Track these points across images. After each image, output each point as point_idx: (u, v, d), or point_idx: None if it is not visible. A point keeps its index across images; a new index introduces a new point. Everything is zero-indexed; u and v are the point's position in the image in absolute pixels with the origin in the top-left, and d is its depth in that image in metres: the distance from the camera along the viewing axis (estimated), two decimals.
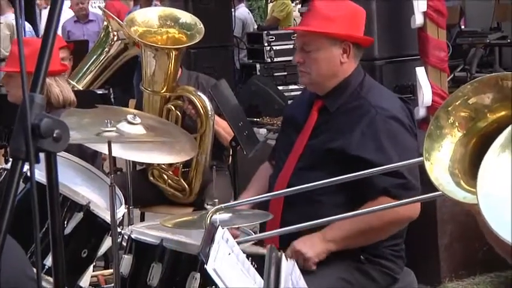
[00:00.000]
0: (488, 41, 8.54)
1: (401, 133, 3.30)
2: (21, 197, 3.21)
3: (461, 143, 2.15)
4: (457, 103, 2.16)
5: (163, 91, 4.78)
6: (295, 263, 1.87)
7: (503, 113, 2.12)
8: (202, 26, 4.83)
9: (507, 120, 2.07)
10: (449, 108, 2.17)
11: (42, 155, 1.43)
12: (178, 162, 4.68)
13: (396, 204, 2.77)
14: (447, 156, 2.13)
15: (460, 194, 2.07)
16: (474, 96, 2.15)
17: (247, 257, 2.38)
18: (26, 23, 10.51)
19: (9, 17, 10.74)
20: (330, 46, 3.36)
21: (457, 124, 2.15)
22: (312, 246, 3.18)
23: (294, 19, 12.48)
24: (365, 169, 3.20)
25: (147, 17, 4.89)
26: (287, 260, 1.79)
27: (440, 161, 2.12)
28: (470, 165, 2.11)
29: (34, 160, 1.34)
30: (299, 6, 12.51)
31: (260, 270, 2.14)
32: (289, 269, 1.77)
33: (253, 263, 2.38)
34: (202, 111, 4.66)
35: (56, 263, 1.40)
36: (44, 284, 2.66)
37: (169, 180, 4.89)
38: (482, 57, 8.51)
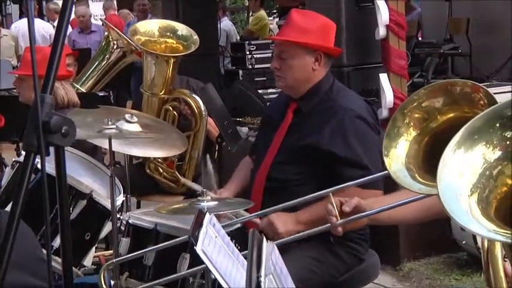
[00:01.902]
0: (442, 51, 8.58)
1: (366, 131, 3.32)
2: (33, 187, 3.20)
3: (416, 141, 2.16)
4: (412, 106, 2.17)
5: (161, 93, 4.78)
6: (275, 245, 1.88)
7: (451, 115, 2.14)
8: (197, 37, 4.85)
9: (455, 121, 2.09)
10: (405, 110, 2.18)
11: (52, 149, 1.43)
12: (173, 156, 4.69)
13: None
14: (403, 153, 2.14)
15: (416, 186, 2.08)
16: (427, 100, 2.16)
17: (231, 239, 2.38)
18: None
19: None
20: (303, 54, 3.37)
21: (412, 124, 2.17)
22: (285, 224, 3.18)
23: (272, 31, 12.46)
24: (335, 162, 3.22)
25: (148, 28, 4.91)
26: (267, 241, 1.80)
27: (397, 157, 2.13)
28: (423, 161, 2.13)
29: (44, 153, 1.34)
30: (277, 19, 12.47)
31: (242, 249, 2.15)
32: (269, 249, 1.78)
33: (237, 244, 2.38)
34: (196, 112, 4.68)
35: (64, 244, 1.40)
36: (52, 263, 2.64)
37: (164, 173, 4.88)
38: (437, 65, 8.54)
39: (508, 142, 1.57)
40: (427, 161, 2.10)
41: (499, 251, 1.84)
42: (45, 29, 11.56)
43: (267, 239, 1.85)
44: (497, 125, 1.58)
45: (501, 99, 1.89)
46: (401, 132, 2.15)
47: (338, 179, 3.21)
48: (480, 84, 2.05)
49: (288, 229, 3.19)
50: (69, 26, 10.63)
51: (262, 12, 12.14)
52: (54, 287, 1.66)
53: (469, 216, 1.49)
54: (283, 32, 3.48)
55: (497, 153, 1.57)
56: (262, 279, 1.60)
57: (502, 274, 1.83)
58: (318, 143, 3.27)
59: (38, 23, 11.61)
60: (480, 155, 1.57)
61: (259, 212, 3.10)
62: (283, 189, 3.30)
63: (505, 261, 1.90)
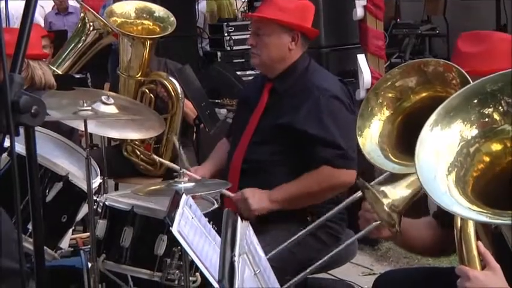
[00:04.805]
0: (419, 32, 8.59)
1: (341, 111, 3.33)
2: (7, 169, 3.18)
3: (389, 121, 2.17)
4: (385, 85, 2.19)
5: (138, 76, 4.78)
6: (249, 224, 1.88)
7: (424, 94, 2.15)
8: (174, 19, 4.84)
9: (428, 100, 2.10)
10: (379, 90, 2.19)
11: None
12: (150, 139, 4.67)
13: None
14: (377, 133, 2.15)
15: (389, 166, 2.10)
16: (400, 80, 2.18)
17: (209, 221, 2.38)
18: None
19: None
20: (280, 33, 3.37)
21: (385, 104, 2.18)
22: (259, 201, 3.21)
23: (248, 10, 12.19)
24: (310, 142, 3.24)
25: (125, 9, 4.88)
26: (242, 221, 1.80)
27: (371, 137, 2.14)
28: (397, 140, 2.14)
29: (14, 133, 1.33)
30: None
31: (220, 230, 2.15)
32: (243, 229, 1.78)
33: (214, 226, 2.38)
34: (173, 94, 4.66)
35: (35, 224, 1.38)
36: (27, 245, 2.63)
37: (141, 155, 4.87)
38: (415, 46, 8.54)
39: (486, 119, 1.57)
40: (401, 140, 2.11)
41: (472, 229, 1.85)
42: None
43: (239, 214, 1.85)
44: (475, 101, 1.59)
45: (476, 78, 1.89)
46: (375, 112, 2.16)
47: (313, 159, 3.23)
48: (453, 64, 2.06)
49: (261, 206, 3.21)
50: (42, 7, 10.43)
51: None
52: (30, 269, 1.65)
53: (449, 197, 1.49)
54: (261, 9, 3.48)
55: (474, 130, 1.57)
56: (236, 258, 1.60)
57: (475, 252, 1.85)
58: (293, 123, 3.28)
59: (18, 4, 11.45)
60: (457, 133, 1.57)
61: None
62: (259, 170, 3.31)
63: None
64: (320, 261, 2.79)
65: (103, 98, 3.45)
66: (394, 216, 2.21)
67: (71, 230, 3.54)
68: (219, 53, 8.98)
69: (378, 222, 2.38)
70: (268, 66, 3.42)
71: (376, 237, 2.52)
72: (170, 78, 4.69)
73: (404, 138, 2.09)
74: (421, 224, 2.63)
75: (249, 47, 3.50)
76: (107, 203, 3.21)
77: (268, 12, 3.38)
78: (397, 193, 2.20)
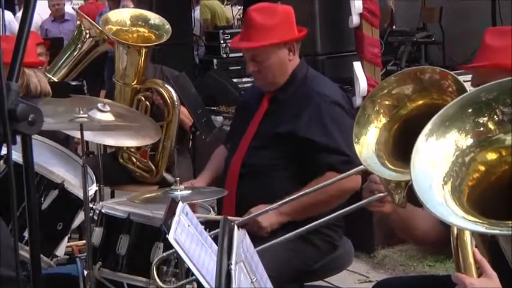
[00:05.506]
0: (415, 39, 8.60)
1: (343, 116, 3.33)
2: (3, 177, 3.18)
3: (386, 128, 2.18)
4: (381, 93, 2.19)
5: (134, 83, 4.78)
6: (246, 232, 1.88)
7: (421, 101, 2.16)
8: (169, 26, 4.83)
9: (425, 108, 2.11)
10: (375, 98, 2.20)
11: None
12: (146, 146, 4.67)
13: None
14: (373, 140, 2.16)
15: (386, 173, 2.10)
16: (397, 87, 2.18)
17: (205, 228, 2.38)
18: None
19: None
20: (277, 51, 3.36)
21: (381, 111, 2.18)
22: (267, 217, 3.17)
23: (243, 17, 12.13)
24: (313, 149, 3.23)
25: (120, 17, 4.89)
26: (239, 229, 1.80)
27: (367, 145, 2.15)
28: (393, 148, 2.15)
29: (11, 141, 1.33)
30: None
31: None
32: (240, 237, 1.78)
33: (210, 233, 2.38)
34: (169, 102, 4.67)
35: (31, 232, 1.38)
36: (24, 253, 2.63)
37: (137, 163, 4.87)
38: (411, 53, 8.55)
39: (481, 129, 1.57)
40: (397, 147, 2.12)
41: (468, 237, 1.86)
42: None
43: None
44: (470, 111, 1.59)
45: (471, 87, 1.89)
46: (371, 119, 2.16)
47: (317, 165, 3.22)
48: (449, 71, 2.07)
49: (271, 221, 3.20)
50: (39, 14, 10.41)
51: (207, 2, 11.72)
52: (26, 277, 1.65)
53: (445, 207, 1.49)
54: (248, 36, 3.40)
55: (470, 140, 1.58)
56: (232, 266, 1.60)
57: (471, 260, 1.85)
58: (295, 131, 3.28)
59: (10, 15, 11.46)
60: (453, 142, 1.58)
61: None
62: (258, 174, 3.31)
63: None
64: None
65: (99, 105, 3.46)
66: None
67: (66, 238, 3.53)
68: (215, 60, 8.99)
69: (382, 194, 2.38)
70: (274, 83, 3.42)
71: (377, 210, 2.51)
72: (166, 85, 4.69)
73: (400, 146, 2.10)
74: (425, 213, 2.61)
75: (247, 70, 3.48)
76: (103, 210, 3.21)
77: (257, 38, 3.32)
78: None
